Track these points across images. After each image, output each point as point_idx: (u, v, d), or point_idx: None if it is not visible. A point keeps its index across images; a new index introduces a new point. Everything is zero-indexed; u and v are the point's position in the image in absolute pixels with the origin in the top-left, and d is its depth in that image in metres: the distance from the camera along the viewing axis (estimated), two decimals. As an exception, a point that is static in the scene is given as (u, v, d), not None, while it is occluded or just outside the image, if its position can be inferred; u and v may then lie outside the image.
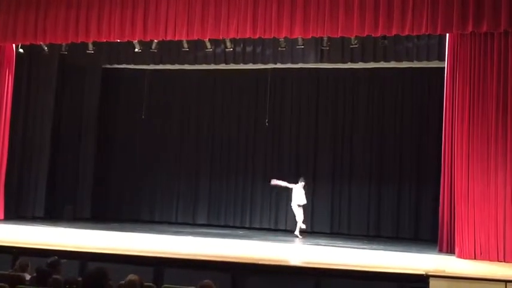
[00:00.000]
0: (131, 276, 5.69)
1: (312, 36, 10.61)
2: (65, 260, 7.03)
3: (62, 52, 12.90)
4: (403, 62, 12.39)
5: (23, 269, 6.81)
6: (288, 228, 13.58)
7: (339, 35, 10.24)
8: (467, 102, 9.72)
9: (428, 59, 11.82)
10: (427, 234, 12.41)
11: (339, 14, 9.95)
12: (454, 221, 9.87)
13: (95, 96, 14.85)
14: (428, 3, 9.57)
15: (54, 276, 6.22)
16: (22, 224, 12.24)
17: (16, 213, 13.40)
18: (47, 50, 12.61)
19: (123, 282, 5.80)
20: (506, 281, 7.54)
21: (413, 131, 13.36)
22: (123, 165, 14.99)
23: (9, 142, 12.80)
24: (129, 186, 14.88)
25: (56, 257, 6.85)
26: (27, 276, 6.51)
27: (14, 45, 12.55)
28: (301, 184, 12.51)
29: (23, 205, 13.79)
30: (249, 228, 13.83)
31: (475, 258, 9.39)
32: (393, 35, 10.14)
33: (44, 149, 14.08)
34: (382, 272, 7.97)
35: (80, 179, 14.71)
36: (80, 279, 5.82)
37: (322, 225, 13.65)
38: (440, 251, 10.21)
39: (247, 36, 10.70)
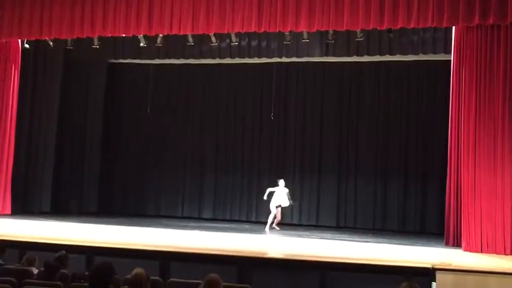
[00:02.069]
0: (137, 270, 5.70)
1: (317, 30, 10.58)
2: (72, 255, 7.06)
3: (67, 47, 12.91)
4: (409, 55, 12.34)
5: (30, 263, 6.85)
6: (293, 222, 13.60)
7: (344, 28, 10.21)
8: (474, 95, 9.68)
9: (434, 52, 11.77)
10: (433, 227, 12.40)
11: (344, 7, 9.92)
12: (461, 215, 9.85)
13: (100, 91, 14.90)
14: (434, -5, 9.53)
15: (62, 270, 6.25)
16: (29, 219, 12.28)
17: (23, 208, 13.46)
18: (52, 46, 12.62)
19: (129, 276, 5.82)
20: (513, 274, 7.52)
21: (419, 124, 13.33)
22: (129, 159, 15.02)
23: (15, 137, 12.85)
24: (134, 181, 14.91)
25: (64, 252, 6.88)
26: (35, 271, 6.54)
27: (19, 40, 12.57)
28: (282, 185, 12.46)
29: (29, 200, 13.86)
30: (255, 222, 13.83)
31: (481, 252, 9.37)
32: (399, 27, 10.10)
33: (49, 144, 14.12)
34: (388, 265, 7.96)
35: (86, 173, 14.79)
36: (86, 273, 5.85)
37: (328, 219, 13.66)
38: (447, 244, 10.19)
39: (253, 30, 10.68)
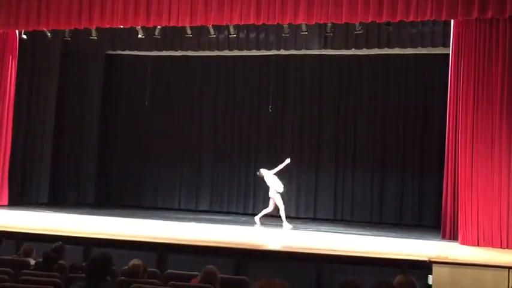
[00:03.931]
0: (135, 261, 5.74)
1: (316, 22, 10.56)
2: (68, 246, 7.08)
3: (65, 38, 12.86)
4: (408, 49, 12.33)
5: (27, 254, 6.86)
6: (291, 215, 13.61)
7: (343, 21, 10.17)
8: (472, 89, 9.68)
9: (432, 45, 11.76)
10: (430, 220, 12.43)
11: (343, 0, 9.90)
12: (458, 208, 9.86)
13: (98, 82, 14.88)
14: (433, -12, 9.51)
15: (60, 261, 6.26)
16: (26, 210, 12.28)
17: (20, 199, 13.45)
18: (50, 36, 12.59)
19: (126, 267, 5.84)
20: (509, 268, 7.55)
21: (417, 117, 13.32)
22: (126, 151, 15.01)
23: (12, 128, 12.81)
24: (132, 172, 14.90)
25: (61, 242, 6.91)
26: (32, 261, 6.55)
27: (17, 31, 12.52)
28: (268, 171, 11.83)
29: (27, 191, 13.85)
30: (252, 215, 13.81)
31: (478, 245, 9.38)
32: (398, 21, 10.08)
33: (47, 135, 14.10)
34: (384, 258, 7.98)
35: (83, 165, 14.78)
36: (84, 264, 5.86)
37: (325, 212, 13.66)
38: (444, 237, 10.20)
39: (251, 22, 10.63)
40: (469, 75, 9.74)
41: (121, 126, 15.22)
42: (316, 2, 10.01)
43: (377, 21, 10.11)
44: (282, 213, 11.67)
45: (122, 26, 11.52)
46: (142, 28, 11.89)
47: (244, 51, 13.20)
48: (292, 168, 13.66)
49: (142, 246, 8.38)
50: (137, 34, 12.19)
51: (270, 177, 11.87)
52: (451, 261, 7.86)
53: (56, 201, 13.96)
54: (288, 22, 10.59)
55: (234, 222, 12.25)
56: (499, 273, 7.54)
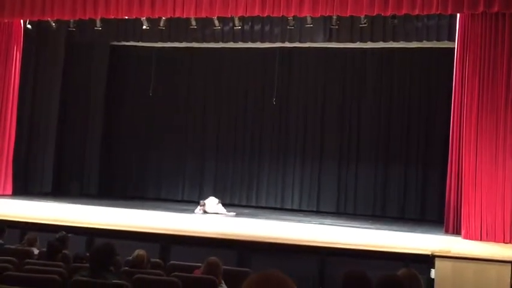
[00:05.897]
0: (139, 251, 5.76)
1: (321, 15, 10.53)
2: (71, 235, 7.11)
3: (69, 28, 12.86)
4: (413, 42, 12.28)
5: (31, 243, 6.90)
6: (294, 208, 13.63)
7: (348, 14, 10.14)
8: (477, 83, 9.65)
9: (438, 39, 11.70)
10: (433, 214, 12.41)
11: (348, -8, 9.85)
12: (461, 202, 9.85)
13: (102, 73, 14.87)
14: (439, -18, 9.46)
15: (64, 251, 6.29)
16: (30, 200, 12.32)
17: (24, 189, 13.48)
18: (54, 26, 12.58)
19: (130, 257, 5.86)
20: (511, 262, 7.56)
21: (422, 111, 13.29)
22: (130, 142, 15.02)
23: (17, 118, 12.84)
24: (135, 163, 14.94)
25: (64, 232, 6.94)
26: (36, 251, 6.59)
27: (21, 21, 12.51)
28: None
29: (30, 181, 13.88)
30: (255, 207, 13.87)
31: (481, 239, 9.38)
32: (403, 14, 10.04)
33: (51, 126, 14.11)
34: (387, 251, 7.99)
35: (87, 155, 14.80)
36: (88, 254, 5.88)
37: (328, 205, 13.67)
38: (447, 231, 10.19)
39: (256, 14, 10.61)
40: (474, 69, 9.71)
41: (125, 117, 15.22)
42: (322, -6, 9.98)
43: (382, 14, 10.09)
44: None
45: (126, 17, 11.52)
46: (147, 19, 11.88)
47: (249, 43, 13.15)
48: (296, 161, 13.67)
49: (146, 237, 8.41)
50: (142, 25, 12.19)
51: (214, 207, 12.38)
52: (453, 255, 7.87)
53: (60, 191, 14.01)
54: (293, 14, 10.57)
55: (237, 214, 12.26)
56: (502, 267, 7.54)
